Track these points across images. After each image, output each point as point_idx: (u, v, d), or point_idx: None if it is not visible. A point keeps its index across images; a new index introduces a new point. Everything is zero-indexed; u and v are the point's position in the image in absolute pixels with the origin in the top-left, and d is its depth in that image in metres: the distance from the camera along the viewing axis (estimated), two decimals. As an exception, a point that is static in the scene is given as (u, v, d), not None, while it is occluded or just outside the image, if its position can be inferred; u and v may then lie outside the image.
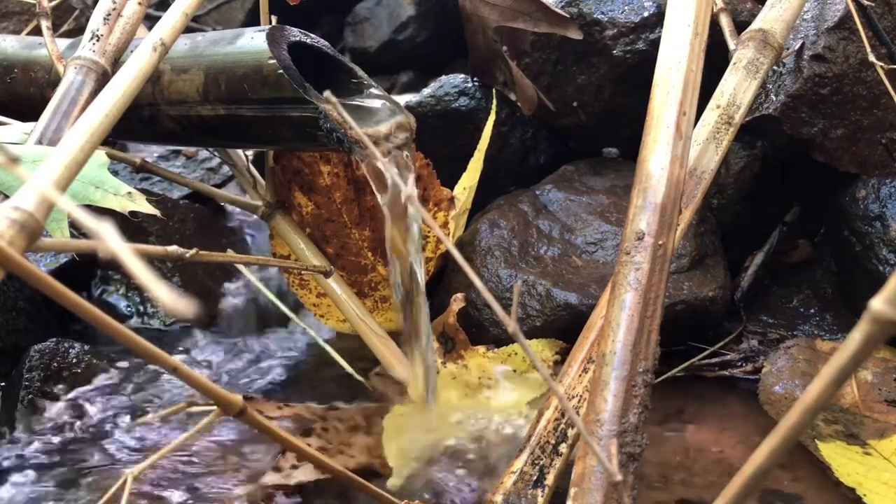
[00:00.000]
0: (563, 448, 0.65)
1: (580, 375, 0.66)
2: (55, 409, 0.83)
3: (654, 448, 0.77)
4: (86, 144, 0.53)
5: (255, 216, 0.92)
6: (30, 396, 0.83)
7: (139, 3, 0.75)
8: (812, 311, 0.96)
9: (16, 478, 0.74)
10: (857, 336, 0.28)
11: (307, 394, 0.88)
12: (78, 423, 0.81)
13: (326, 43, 0.78)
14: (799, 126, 0.91)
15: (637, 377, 0.58)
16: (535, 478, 0.64)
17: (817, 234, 1.02)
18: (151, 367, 0.90)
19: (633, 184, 0.66)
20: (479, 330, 0.91)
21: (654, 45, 0.80)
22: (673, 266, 0.87)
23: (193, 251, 0.57)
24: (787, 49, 0.88)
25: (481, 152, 1.00)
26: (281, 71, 0.71)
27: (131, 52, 0.66)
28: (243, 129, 0.77)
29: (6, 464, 0.75)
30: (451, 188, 0.96)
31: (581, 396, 0.65)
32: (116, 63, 0.73)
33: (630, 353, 0.59)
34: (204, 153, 1.22)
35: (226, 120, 0.77)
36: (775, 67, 0.88)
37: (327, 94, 0.41)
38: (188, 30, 0.73)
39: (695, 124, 0.71)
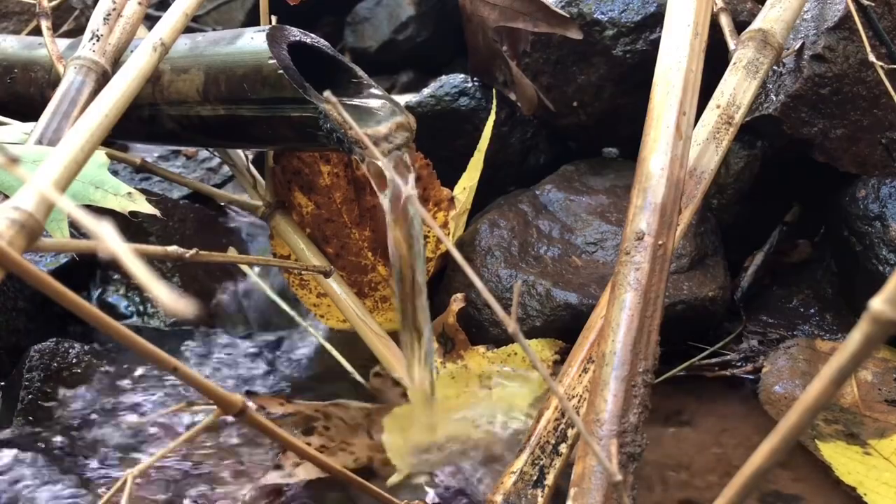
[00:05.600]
0: (563, 448, 0.65)
1: (580, 375, 0.66)
2: (55, 410, 0.83)
3: (654, 448, 0.77)
4: (86, 144, 0.53)
5: (255, 216, 0.92)
6: (30, 396, 0.83)
7: (139, 3, 0.75)
8: (812, 311, 0.96)
9: (15, 478, 0.74)
10: (857, 336, 0.28)
11: (307, 393, 0.88)
12: (78, 423, 0.81)
13: (326, 43, 0.78)
14: (799, 126, 0.91)
15: (637, 377, 0.58)
16: (535, 478, 0.64)
17: (817, 234, 1.02)
18: (151, 367, 0.90)
19: (633, 184, 0.66)
20: (479, 330, 0.91)
21: (654, 45, 0.80)
22: (673, 266, 0.87)
23: (193, 251, 0.57)
24: (787, 49, 0.88)
25: (481, 152, 1.00)
26: (281, 71, 0.71)
27: (131, 52, 0.66)
28: (243, 130, 0.77)
29: (6, 464, 0.75)
30: (451, 188, 0.96)
31: (581, 396, 0.65)
32: (116, 63, 0.73)
33: (630, 353, 0.59)
34: (204, 153, 1.22)
35: (226, 120, 0.77)
36: (775, 67, 0.88)
37: (327, 94, 0.41)
38: (188, 30, 0.73)
39: (695, 124, 0.71)
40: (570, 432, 0.65)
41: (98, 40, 0.72)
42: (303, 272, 0.91)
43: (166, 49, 0.65)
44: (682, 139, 0.66)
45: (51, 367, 0.85)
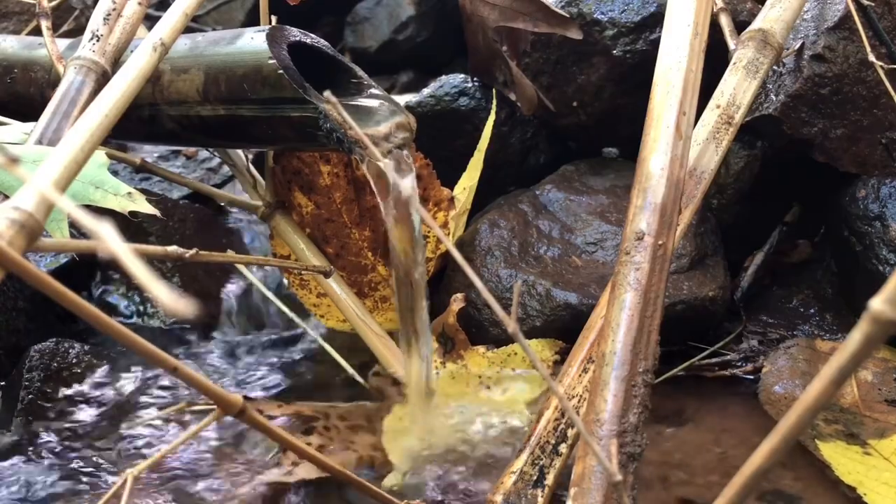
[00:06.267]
0: (563, 448, 0.65)
1: (580, 375, 0.66)
2: (55, 410, 0.83)
3: (654, 448, 0.77)
4: (86, 144, 0.53)
5: (255, 216, 0.92)
6: (30, 396, 0.83)
7: (139, 3, 0.75)
8: (812, 311, 0.96)
9: (16, 478, 0.74)
10: (857, 336, 0.28)
11: (307, 393, 0.88)
12: (78, 423, 0.81)
13: (326, 43, 0.78)
14: (799, 126, 0.91)
15: (637, 377, 0.58)
16: (535, 478, 0.64)
17: (817, 234, 1.02)
18: (151, 367, 0.90)
19: (633, 184, 0.66)
20: (479, 330, 0.91)
21: (654, 45, 0.80)
22: (673, 266, 0.87)
23: (193, 251, 0.57)
24: (787, 49, 0.88)
25: (481, 152, 1.00)
26: (281, 71, 0.71)
27: (131, 52, 0.66)
28: (243, 129, 0.77)
29: (6, 464, 0.75)
30: (451, 188, 0.96)
31: (581, 396, 0.65)
32: (116, 63, 0.73)
33: (630, 353, 0.59)
34: (204, 153, 1.22)
35: (226, 120, 0.77)
36: (775, 67, 0.88)
37: (327, 94, 0.41)
38: (188, 30, 0.73)
39: (695, 124, 0.71)
40: (570, 432, 0.65)
41: (98, 40, 0.72)
42: (303, 272, 0.91)
43: (166, 49, 0.65)
44: (682, 139, 0.66)
45: (51, 367, 0.85)
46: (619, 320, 0.60)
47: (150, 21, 0.85)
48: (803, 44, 0.90)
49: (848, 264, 0.93)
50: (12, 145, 0.66)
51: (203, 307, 1.00)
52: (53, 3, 0.83)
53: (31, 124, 0.69)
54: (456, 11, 1.09)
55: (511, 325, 0.35)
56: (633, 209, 0.64)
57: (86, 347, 0.89)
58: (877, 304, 0.27)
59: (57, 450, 0.78)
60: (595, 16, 0.98)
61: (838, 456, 0.73)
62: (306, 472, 0.72)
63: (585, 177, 1.02)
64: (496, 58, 1.04)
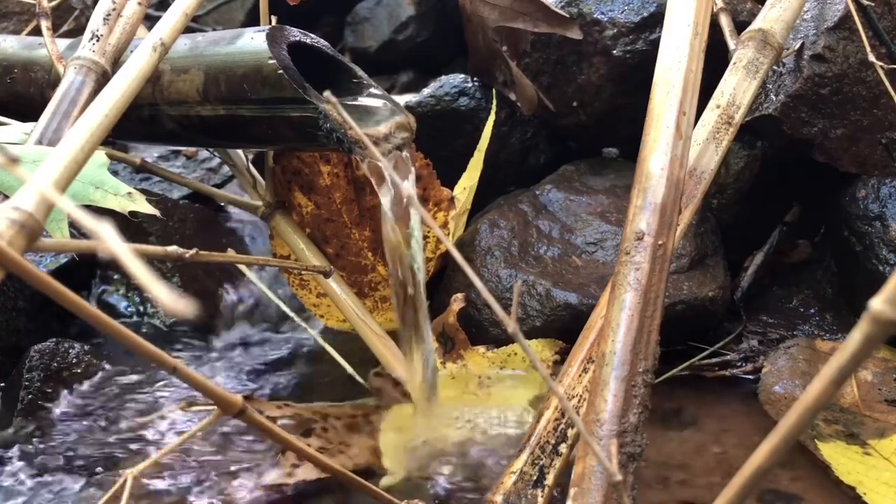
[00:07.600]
0: (563, 448, 0.65)
1: (580, 375, 0.66)
2: (55, 410, 0.83)
3: (654, 448, 0.77)
4: (86, 144, 0.53)
5: (255, 216, 0.92)
6: (30, 396, 0.83)
7: (139, 3, 0.75)
8: (812, 311, 0.96)
9: (16, 478, 0.74)
10: (857, 336, 0.28)
11: (307, 393, 0.88)
12: (78, 423, 0.81)
13: (326, 43, 0.78)
14: (799, 126, 0.91)
15: (637, 377, 0.58)
16: (535, 478, 0.64)
17: (817, 234, 1.02)
18: (151, 367, 0.90)
19: (633, 184, 0.66)
20: (479, 330, 0.91)
21: (654, 45, 0.80)
22: (673, 266, 0.87)
23: (193, 251, 0.57)
24: (787, 49, 0.88)
25: (481, 152, 1.00)
26: (281, 71, 0.71)
27: (131, 52, 0.66)
28: (243, 130, 0.77)
29: (6, 464, 0.75)
30: (451, 188, 0.96)
31: (581, 396, 0.65)
32: (116, 63, 0.73)
33: (630, 353, 0.59)
34: (204, 153, 1.22)
35: (226, 120, 0.77)
36: (775, 67, 0.88)
37: (327, 94, 0.41)
38: (188, 30, 0.73)
39: (695, 124, 0.71)
40: (570, 432, 0.65)
41: (98, 40, 0.72)
42: (303, 272, 0.91)
43: (166, 49, 0.65)
44: (682, 139, 0.66)
45: (51, 367, 0.85)
46: (619, 320, 0.60)
47: (150, 21, 0.85)
48: (803, 44, 0.90)
49: (848, 264, 0.93)
50: (12, 145, 0.66)
51: (203, 307, 1.00)
52: (53, 3, 0.83)
53: (31, 124, 0.69)
54: (456, 11, 1.09)
55: (511, 325, 0.35)
56: (633, 209, 0.64)
57: (86, 347, 0.89)
58: (877, 304, 0.27)
59: (57, 450, 0.78)
60: (595, 16, 0.98)
61: (838, 456, 0.73)
62: (306, 472, 0.72)
63: (585, 177, 1.02)
64: (496, 58, 1.04)
